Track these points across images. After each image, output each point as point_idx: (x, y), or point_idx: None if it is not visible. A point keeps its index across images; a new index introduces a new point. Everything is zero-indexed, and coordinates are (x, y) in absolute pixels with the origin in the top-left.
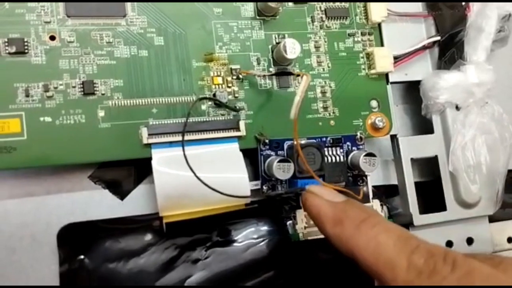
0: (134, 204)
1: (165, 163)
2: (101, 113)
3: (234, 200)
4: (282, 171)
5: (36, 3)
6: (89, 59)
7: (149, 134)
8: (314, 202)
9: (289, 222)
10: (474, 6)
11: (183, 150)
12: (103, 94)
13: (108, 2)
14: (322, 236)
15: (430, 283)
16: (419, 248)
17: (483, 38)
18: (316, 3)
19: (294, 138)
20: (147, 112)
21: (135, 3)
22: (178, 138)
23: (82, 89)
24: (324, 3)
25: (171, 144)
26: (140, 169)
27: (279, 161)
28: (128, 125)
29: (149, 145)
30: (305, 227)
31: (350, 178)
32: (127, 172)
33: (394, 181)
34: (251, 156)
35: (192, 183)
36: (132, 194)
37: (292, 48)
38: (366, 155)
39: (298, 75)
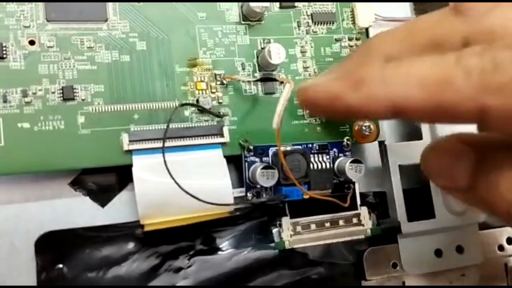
0: (116, 211)
1: (146, 170)
2: (81, 119)
3: (217, 208)
4: (266, 178)
5: (16, 7)
6: (69, 64)
7: (130, 141)
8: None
9: (275, 230)
10: None
11: (164, 157)
12: (83, 100)
13: (90, 4)
14: (308, 244)
15: None
16: None
17: None
18: (302, 7)
19: (278, 146)
20: (128, 118)
21: (117, 7)
22: (160, 144)
23: (61, 95)
24: (310, 7)
25: (153, 150)
26: (122, 176)
27: (263, 168)
28: (108, 131)
29: (130, 152)
30: (291, 235)
31: (337, 185)
32: (109, 179)
33: (382, 188)
34: (237, 163)
35: (173, 190)
36: (114, 201)
37: (277, 53)
38: (352, 161)
39: (282, 82)
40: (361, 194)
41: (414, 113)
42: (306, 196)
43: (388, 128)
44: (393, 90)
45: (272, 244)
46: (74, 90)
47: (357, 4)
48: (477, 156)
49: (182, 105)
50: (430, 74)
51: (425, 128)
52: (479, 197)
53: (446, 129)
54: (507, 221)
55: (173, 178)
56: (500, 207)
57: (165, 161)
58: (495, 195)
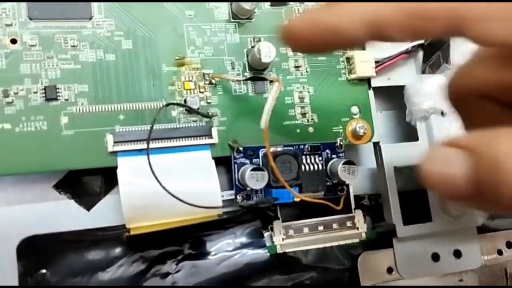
0: (101, 215)
1: (132, 172)
2: (65, 120)
3: (205, 211)
4: (256, 180)
5: None
6: (52, 63)
7: (114, 142)
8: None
9: (266, 234)
10: None
11: (148, 158)
12: (66, 100)
13: (73, 3)
14: (301, 248)
15: None
16: None
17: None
18: (293, 5)
19: (266, 147)
20: (113, 118)
21: (102, 5)
22: (146, 145)
23: (44, 95)
24: (302, 5)
25: (139, 152)
26: (108, 178)
27: (252, 170)
28: (93, 132)
29: (115, 153)
30: (283, 239)
31: (331, 187)
32: (95, 181)
33: (377, 190)
34: (226, 165)
35: (160, 193)
36: (99, 204)
37: (267, 52)
38: (344, 163)
39: (271, 81)
40: (355, 196)
41: (390, 26)
42: (297, 199)
43: (383, 129)
44: (365, 7)
45: (264, 249)
46: (57, 90)
47: None
48: (468, 155)
49: (168, 104)
50: None
51: (421, 129)
52: (483, 194)
53: (442, 131)
54: None
55: (158, 180)
56: (504, 194)
57: (149, 163)
58: (497, 183)
